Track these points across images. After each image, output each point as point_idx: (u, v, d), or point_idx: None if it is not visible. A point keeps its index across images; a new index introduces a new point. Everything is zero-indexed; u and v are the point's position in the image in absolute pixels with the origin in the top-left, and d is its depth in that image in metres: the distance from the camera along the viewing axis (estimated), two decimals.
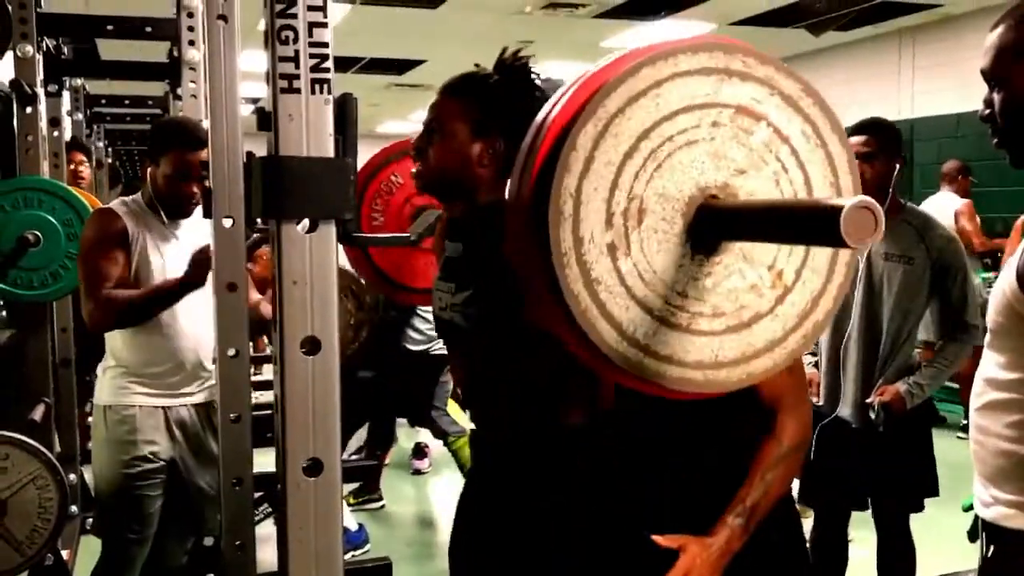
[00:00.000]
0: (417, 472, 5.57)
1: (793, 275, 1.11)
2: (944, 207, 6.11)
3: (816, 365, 3.07)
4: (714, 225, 1.04)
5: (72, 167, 5.18)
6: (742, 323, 1.09)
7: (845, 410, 2.96)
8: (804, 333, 1.13)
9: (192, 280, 2.54)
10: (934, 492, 2.99)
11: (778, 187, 1.06)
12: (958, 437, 5.99)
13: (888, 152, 2.88)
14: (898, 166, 2.88)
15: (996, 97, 1.62)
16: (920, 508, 3.02)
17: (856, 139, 2.84)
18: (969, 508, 1.79)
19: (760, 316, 1.10)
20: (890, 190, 2.86)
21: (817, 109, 1.07)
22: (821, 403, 2.99)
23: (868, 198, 0.88)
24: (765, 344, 1.11)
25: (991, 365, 1.67)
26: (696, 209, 1.04)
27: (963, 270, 2.89)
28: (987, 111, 1.65)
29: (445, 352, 3.69)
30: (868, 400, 2.87)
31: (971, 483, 1.75)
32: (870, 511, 3.11)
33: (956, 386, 6.45)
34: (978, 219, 6.20)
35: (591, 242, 1.02)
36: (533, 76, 1.84)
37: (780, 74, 1.05)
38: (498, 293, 1.71)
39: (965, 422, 5.84)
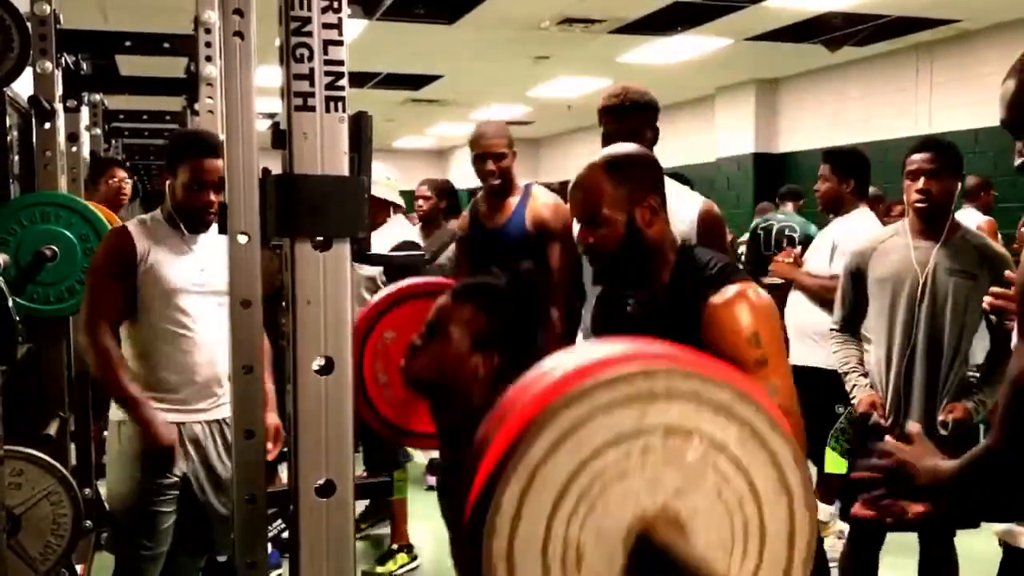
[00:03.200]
0: (432, 488, 5.55)
1: None
2: (966, 224, 6.05)
3: (872, 386, 3.09)
4: (652, 555, 1.01)
5: (115, 183, 5.18)
6: None
7: (908, 425, 2.97)
8: None
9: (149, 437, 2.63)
10: None
11: (721, 497, 1.04)
12: None
13: (951, 171, 2.99)
14: (959, 185, 3.00)
15: None
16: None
17: (921, 155, 2.99)
18: None
19: None
20: (951, 208, 3.00)
21: (752, 411, 1.03)
22: (887, 423, 2.98)
23: None
24: None
25: None
26: (635, 539, 1.01)
27: None
28: (1020, 160, 1.64)
29: None
30: (940, 418, 2.90)
31: None
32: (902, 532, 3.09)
33: None
34: (1000, 236, 6.15)
35: None
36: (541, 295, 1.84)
37: (707, 385, 1.01)
38: None
39: None
